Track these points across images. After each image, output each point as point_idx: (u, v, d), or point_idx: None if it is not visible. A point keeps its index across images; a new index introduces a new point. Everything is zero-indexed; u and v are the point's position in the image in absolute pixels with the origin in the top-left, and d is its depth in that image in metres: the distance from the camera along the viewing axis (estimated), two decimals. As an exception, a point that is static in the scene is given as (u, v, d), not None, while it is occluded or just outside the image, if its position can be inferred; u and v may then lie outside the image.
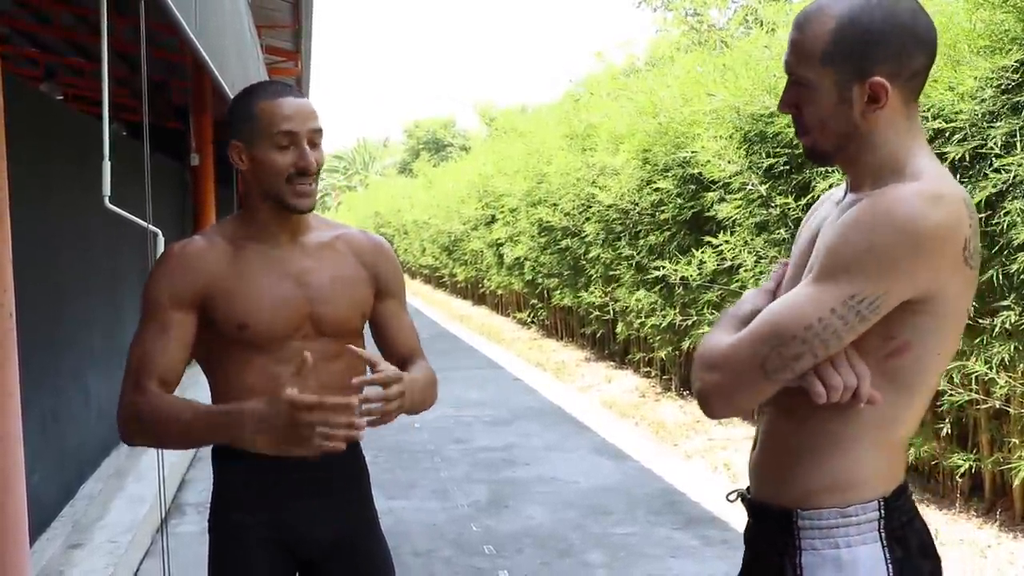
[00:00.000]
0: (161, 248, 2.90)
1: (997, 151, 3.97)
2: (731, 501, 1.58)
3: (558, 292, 10.72)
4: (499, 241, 13.07)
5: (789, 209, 5.49)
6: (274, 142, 1.82)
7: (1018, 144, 3.91)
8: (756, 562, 1.50)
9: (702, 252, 6.29)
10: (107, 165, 2.69)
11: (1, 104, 2.83)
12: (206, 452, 6.45)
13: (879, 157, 1.38)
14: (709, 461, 6.01)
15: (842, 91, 1.36)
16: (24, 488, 2.95)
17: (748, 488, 1.54)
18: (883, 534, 1.38)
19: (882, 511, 1.39)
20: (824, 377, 1.31)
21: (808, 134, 1.42)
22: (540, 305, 12.51)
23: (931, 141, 4.29)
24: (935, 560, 1.43)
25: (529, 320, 13.15)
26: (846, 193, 1.45)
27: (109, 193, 2.72)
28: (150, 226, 2.83)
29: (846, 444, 1.38)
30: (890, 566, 1.37)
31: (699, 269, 6.37)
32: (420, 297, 20.04)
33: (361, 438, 1.68)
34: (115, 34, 10.11)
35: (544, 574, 4.11)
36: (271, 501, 1.89)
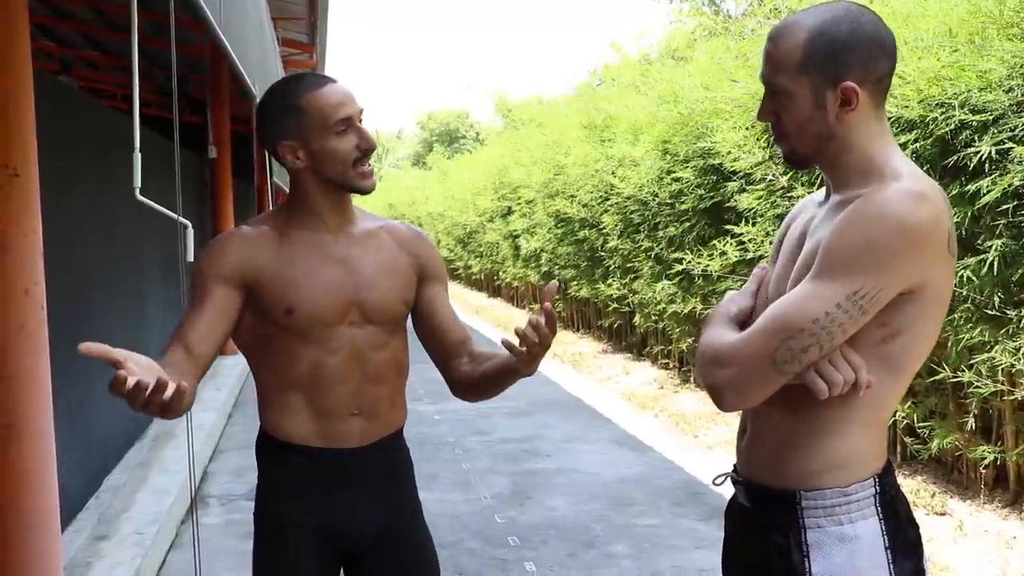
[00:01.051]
0: (191, 240, 2.90)
1: (1016, 144, 3.94)
2: (718, 484, 1.71)
3: (575, 284, 10.72)
4: (515, 233, 13.07)
5: (812, 200, 5.46)
6: (332, 131, 1.81)
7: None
8: (754, 542, 1.56)
9: (725, 244, 6.26)
10: (138, 157, 2.70)
11: (32, 97, 2.85)
12: (226, 444, 6.48)
13: (856, 157, 1.49)
14: (730, 452, 5.99)
15: (817, 97, 1.47)
16: (56, 481, 2.98)
17: (735, 471, 1.64)
18: (879, 508, 1.48)
19: (877, 487, 1.49)
20: (825, 374, 1.41)
21: (787, 139, 1.53)
22: (557, 297, 12.51)
23: (957, 133, 4.26)
24: (917, 527, 1.54)
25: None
26: (828, 195, 1.55)
27: (140, 185, 2.72)
28: (180, 218, 2.84)
29: (842, 427, 1.47)
30: (886, 537, 1.47)
31: (721, 261, 6.34)
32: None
33: None
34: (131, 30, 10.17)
35: (570, 565, 4.11)
36: (317, 493, 1.89)
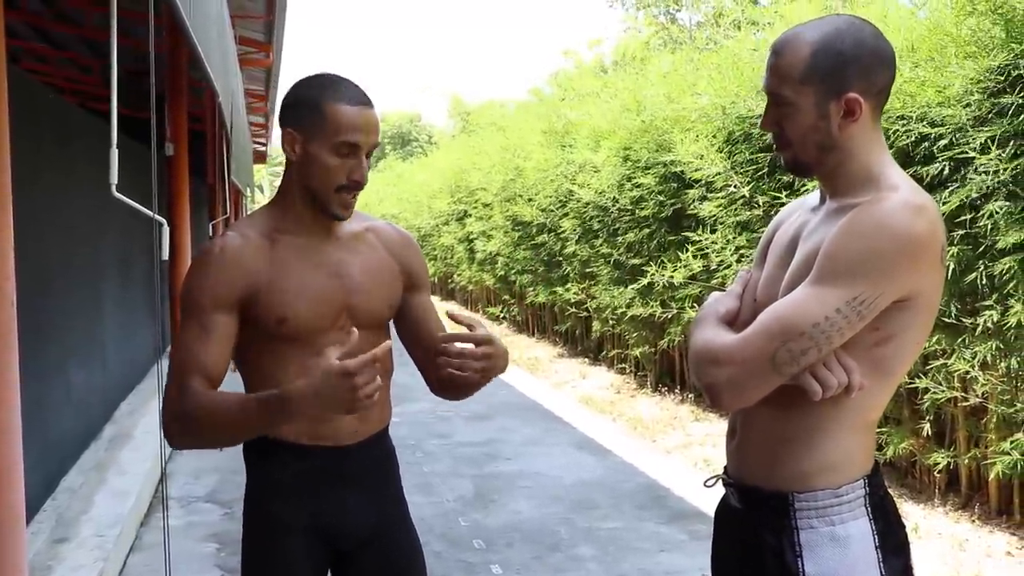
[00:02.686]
0: (166, 237, 2.87)
1: (977, 154, 4.06)
2: (709, 486, 1.70)
3: (532, 288, 10.75)
4: (471, 236, 13.07)
5: (772, 209, 5.56)
6: (334, 147, 1.79)
7: (994, 147, 3.99)
8: (744, 542, 1.59)
9: (687, 255, 6.33)
10: (115, 153, 2.67)
11: (5, 93, 2.80)
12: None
13: (856, 167, 1.53)
14: (688, 457, 6.07)
15: (820, 108, 1.51)
16: (22, 482, 2.93)
17: (726, 472, 1.66)
18: (868, 509, 1.52)
19: (867, 488, 1.53)
20: (819, 376, 1.45)
21: (790, 148, 1.56)
22: (512, 301, 12.53)
23: (916, 144, 4.38)
24: (904, 528, 1.59)
25: (501, 316, 13.17)
26: (823, 200, 1.59)
27: (116, 181, 2.69)
28: (156, 215, 2.81)
29: (834, 428, 1.51)
30: (876, 536, 1.51)
31: (685, 272, 6.41)
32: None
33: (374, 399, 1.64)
34: (84, 23, 9.99)
35: (536, 568, 4.13)
36: (311, 492, 1.89)
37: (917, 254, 1.43)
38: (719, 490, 1.70)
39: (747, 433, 1.61)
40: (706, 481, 1.73)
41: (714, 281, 6.16)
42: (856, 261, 1.42)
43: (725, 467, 1.68)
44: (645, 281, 6.96)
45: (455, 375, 1.78)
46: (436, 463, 5.81)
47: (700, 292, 6.51)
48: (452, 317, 1.87)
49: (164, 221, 2.80)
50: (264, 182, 51.52)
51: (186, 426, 1.73)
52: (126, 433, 5.79)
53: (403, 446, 6.18)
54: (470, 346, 1.78)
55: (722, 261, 5.94)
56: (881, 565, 1.50)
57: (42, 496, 4.48)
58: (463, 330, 1.83)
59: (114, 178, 2.64)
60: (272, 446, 1.88)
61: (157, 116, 9.09)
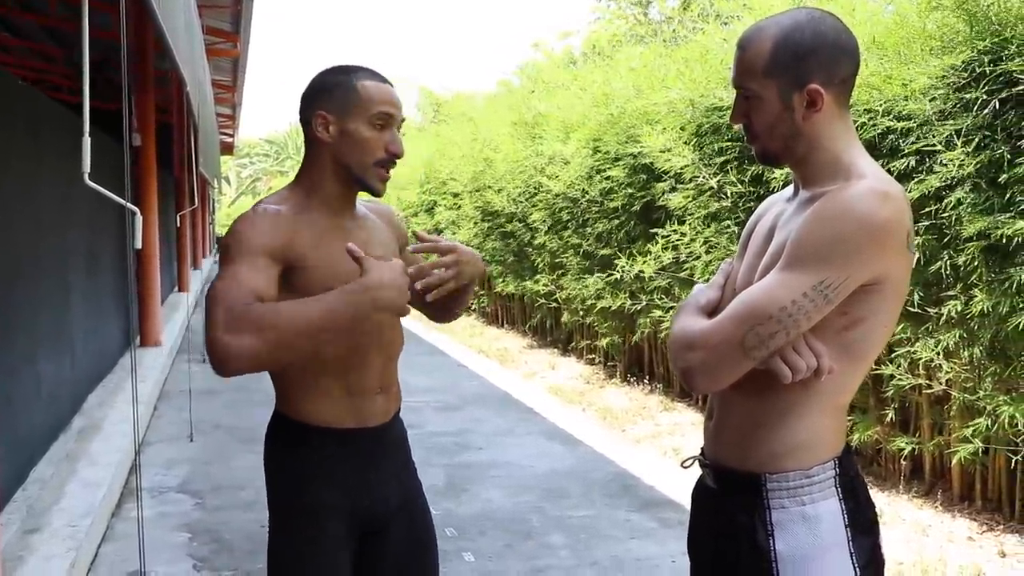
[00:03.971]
0: (139, 227, 2.86)
1: (943, 147, 4.14)
2: (687, 467, 1.74)
3: (501, 279, 10.77)
4: (440, 228, 13.07)
5: (741, 200, 5.62)
6: (370, 120, 1.86)
7: (959, 141, 4.08)
8: (719, 522, 1.64)
9: (656, 246, 6.38)
10: (87, 142, 2.65)
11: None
12: (153, 436, 6.32)
13: (823, 156, 1.58)
14: (657, 446, 6.13)
15: (784, 99, 1.56)
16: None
17: (702, 454, 1.70)
18: (839, 489, 1.56)
19: (837, 468, 1.57)
20: (788, 360, 1.49)
21: (758, 139, 1.62)
22: (482, 292, 12.55)
23: (883, 137, 4.45)
24: (874, 508, 1.63)
25: (470, 307, 13.19)
26: (797, 191, 1.64)
27: (88, 170, 2.68)
28: (128, 204, 2.80)
29: (804, 411, 1.55)
30: (845, 515, 1.55)
31: (655, 264, 6.46)
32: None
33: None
34: (50, 13, 9.85)
35: (508, 556, 4.16)
36: (351, 474, 1.91)
37: (882, 239, 1.46)
38: (689, 478, 1.75)
39: (722, 416, 1.65)
40: (683, 462, 1.77)
41: (683, 273, 6.22)
42: (822, 246, 1.46)
43: (702, 448, 1.72)
44: (616, 276, 7.01)
45: (430, 284, 1.90)
46: (408, 453, 5.82)
47: (669, 284, 6.57)
48: (417, 236, 2.00)
49: (137, 210, 2.80)
50: (231, 173, 51.08)
51: (256, 331, 1.63)
52: (95, 425, 5.74)
53: (375, 436, 6.23)
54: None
55: (691, 252, 6.00)
56: (850, 543, 1.54)
57: (12, 487, 4.45)
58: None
59: (86, 167, 2.64)
60: (312, 431, 1.90)
61: (119, 106, 9.00)
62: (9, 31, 11.02)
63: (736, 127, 1.71)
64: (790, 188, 1.70)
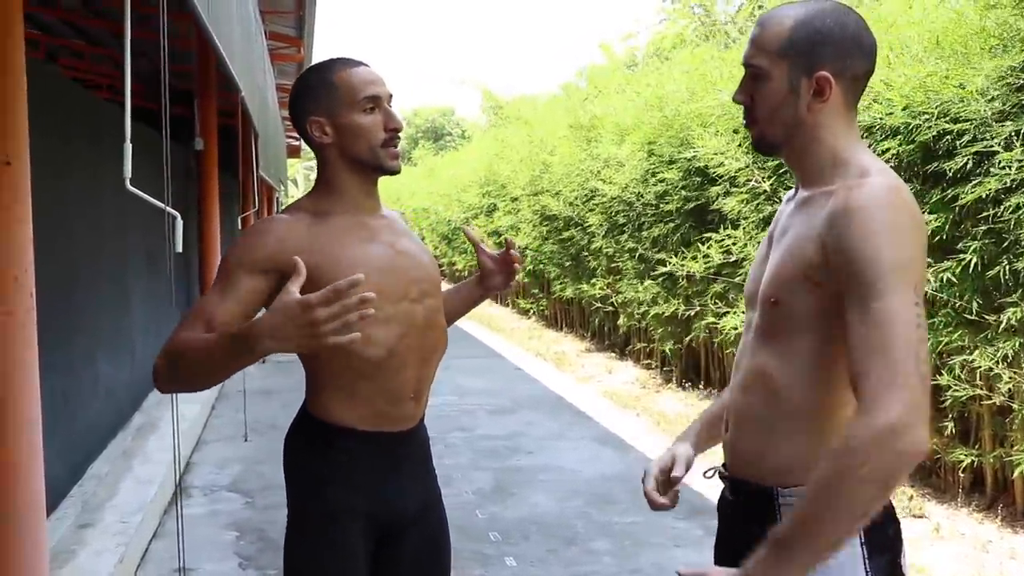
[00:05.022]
0: (180, 230, 2.92)
1: (1001, 150, 4.01)
2: (708, 477, 1.75)
3: (559, 283, 10.75)
4: (500, 230, 13.09)
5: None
6: (360, 107, 1.87)
7: (1018, 142, 3.94)
8: (735, 533, 1.61)
9: (707, 247, 6.31)
10: (128, 147, 2.71)
11: (25, 86, 2.86)
12: (209, 436, 6.46)
13: (823, 151, 1.53)
14: (709, 453, 6.03)
15: (793, 83, 1.52)
16: (42, 470, 2.98)
17: (724, 465, 1.68)
18: None
19: None
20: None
21: (757, 124, 1.57)
22: (541, 295, 12.54)
23: (939, 139, 4.32)
24: (897, 524, 1.55)
25: (529, 310, 13.18)
26: (797, 190, 1.60)
27: (130, 175, 2.74)
28: (169, 208, 2.85)
29: (816, 425, 1.51)
30: (861, 533, 1.47)
31: (704, 263, 6.39)
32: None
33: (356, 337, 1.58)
34: (117, 18, 10.11)
35: (551, 561, 4.14)
36: (375, 478, 1.91)
37: (919, 223, 1.44)
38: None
39: (737, 429, 1.62)
40: (705, 472, 1.76)
41: (737, 278, 6.12)
42: (893, 257, 1.38)
43: (724, 460, 1.69)
44: (664, 270, 6.95)
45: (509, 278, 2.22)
46: (458, 456, 5.84)
47: (724, 288, 6.48)
48: (466, 233, 2.22)
49: (177, 214, 2.85)
50: (299, 176, 51.89)
51: (171, 362, 1.75)
52: (152, 423, 5.88)
53: (425, 439, 6.26)
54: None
55: (745, 257, 5.91)
56: (866, 562, 1.49)
57: (69, 483, 4.57)
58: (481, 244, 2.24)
59: (128, 172, 2.69)
60: (340, 434, 1.89)
61: (189, 112, 9.17)
62: (85, 38, 11.35)
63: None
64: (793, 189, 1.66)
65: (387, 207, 2.08)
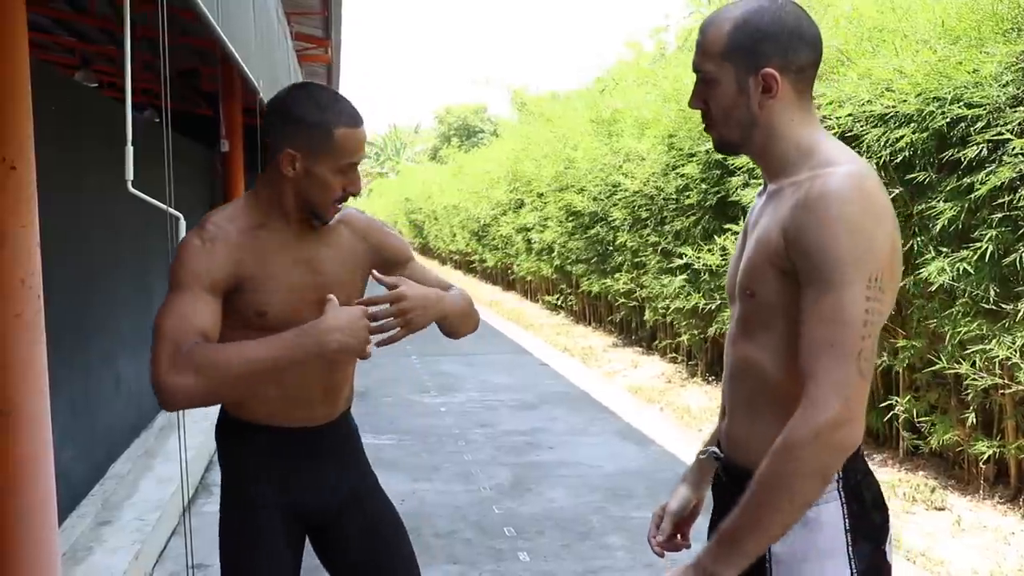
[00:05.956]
0: (183, 231, 2.95)
1: (1014, 136, 3.93)
2: (701, 458, 1.77)
3: (586, 278, 10.73)
4: (527, 226, 13.09)
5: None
6: (339, 168, 1.88)
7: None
8: (727, 513, 1.60)
9: (724, 239, 6.27)
10: (130, 150, 2.75)
11: (29, 91, 2.91)
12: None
13: (783, 145, 1.55)
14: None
15: (740, 83, 1.55)
16: (52, 468, 3.03)
17: (719, 448, 1.70)
18: (842, 493, 1.51)
19: (840, 473, 1.51)
20: None
21: (715, 127, 1.60)
22: (569, 291, 12.53)
23: (952, 126, 4.26)
24: (885, 511, 1.57)
25: (558, 305, 13.17)
26: (766, 184, 1.62)
27: (132, 177, 2.78)
28: (171, 209, 2.89)
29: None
30: (847, 520, 1.51)
31: (722, 256, 6.35)
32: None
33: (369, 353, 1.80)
34: (146, 21, 10.24)
35: (564, 556, 4.14)
36: (285, 470, 1.99)
37: (883, 214, 1.45)
38: None
39: (732, 416, 1.64)
40: (699, 453, 1.78)
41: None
42: (845, 248, 1.41)
43: (717, 442, 1.73)
44: (680, 263, 6.92)
45: (379, 341, 1.89)
46: (478, 452, 5.86)
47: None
48: (375, 278, 2.02)
49: (180, 215, 2.88)
50: (333, 176, 52.20)
51: (198, 375, 1.68)
52: (175, 423, 5.95)
53: (447, 435, 6.30)
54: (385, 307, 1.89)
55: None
56: (849, 548, 1.50)
57: (90, 482, 4.65)
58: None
59: (130, 174, 2.73)
60: (247, 427, 1.97)
61: (213, 113, 9.24)
62: (116, 43, 11.50)
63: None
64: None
65: (348, 208, 2.08)
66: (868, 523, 1.53)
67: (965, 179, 4.19)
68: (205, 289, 1.81)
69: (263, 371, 1.73)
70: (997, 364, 4.30)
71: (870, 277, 1.41)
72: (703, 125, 1.64)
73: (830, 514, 1.51)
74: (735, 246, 1.75)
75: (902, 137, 4.39)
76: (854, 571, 1.50)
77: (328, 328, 1.74)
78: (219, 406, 2.03)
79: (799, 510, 1.42)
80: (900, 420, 5.19)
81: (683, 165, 7.16)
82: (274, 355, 1.72)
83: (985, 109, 4.05)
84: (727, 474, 1.66)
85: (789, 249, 1.46)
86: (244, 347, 1.73)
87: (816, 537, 1.50)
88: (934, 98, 4.27)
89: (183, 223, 2.94)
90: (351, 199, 1.99)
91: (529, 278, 14.69)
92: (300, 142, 1.85)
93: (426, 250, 27.49)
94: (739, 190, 6.21)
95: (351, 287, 2.00)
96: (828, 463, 1.40)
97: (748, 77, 1.53)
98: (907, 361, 4.95)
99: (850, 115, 4.77)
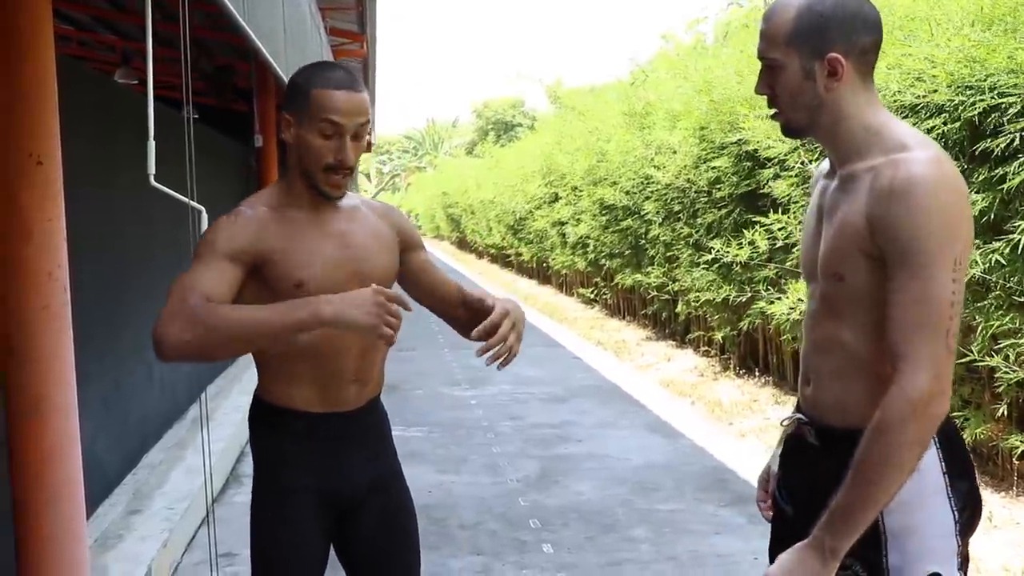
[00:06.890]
0: (205, 225, 2.99)
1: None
2: (785, 426, 1.82)
3: (620, 272, 10.70)
4: (562, 220, 13.07)
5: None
6: (319, 129, 1.89)
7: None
8: (826, 473, 1.66)
9: (754, 233, 6.22)
10: (151, 145, 2.80)
11: (55, 87, 2.96)
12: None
13: (852, 127, 1.61)
14: (763, 440, 5.96)
15: (806, 68, 1.61)
16: (79, 457, 3.09)
17: (802, 414, 1.76)
18: (935, 438, 1.58)
19: None
20: None
21: (782, 112, 1.67)
22: (603, 284, 12.50)
23: (985, 116, 4.18)
24: (968, 454, 1.69)
25: (593, 299, 13.15)
26: (833, 168, 1.67)
27: (154, 171, 2.82)
28: (192, 202, 2.93)
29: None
30: (943, 463, 1.61)
31: (752, 250, 6.30)
32: (486, 277, 20.12)
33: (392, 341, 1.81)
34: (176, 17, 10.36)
35: (588, 548, 4.14)
36: (319, 455, 2.00)
37: (964, 197, 1.54)
38: None
39: (819, 378, 1.70)
40: (782, 421, 1.83)
41: (788, 264, 6.02)
42: (932, 233, 1.50)
43: (799, 408, 1.78)
44: (709, 257, 6.88)
45: (503, 361, 2.01)
46: (506, 444, 5.87)
47: (777, 274, 6.37)
48: (466, 304, 2.12)
49: (202, 208, 2.92)
50: (372, 169, 52.58)
51: (186, 328, 1.73)
52: (209, 414, 6.03)
53: (476, 428, 6.33)
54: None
55: (793, 244, 5.81)
56: (948, 488, 1.60)
57: (122, 472, 4.73)
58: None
59: (152, 168, 2.78)
60: (282, 413, 1.99)
61: (248, 109, 9.32)
62: (156, 40, 11.64)
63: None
64: (826, 163, 1.74)
65: (355, 195, 2.12)
66: (960, 465, 1.63)
67: (997, 170, 4.11)
68: (222, 258, 1.85)
69: (258, 335, 1.78)
70: (1030, 358, 4.22)
71: (955, 260, 1.50)
72: (771, 112, 1.70)
73: (927, 460, 1.58)
74: (804, 220, 1.83)
75: (933, 128, 4.32)
76: (953, 508, 1.59)
77: (328, 299, 1.76)
78: (252, 393, 2.07)
79: (905, 478, 1.52)
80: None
81: (715, 157, 7.11)
82: (267, 317, 1.75)
83: (1019, 98, 3.98)
84: (820, 438, 1.71)
85: (876, 235, 1.53)
86: (241, 309, 1.78)
87: (917, 481, 1.56)
88: (967, 87, 4.20)
89: (205, 216, 2.98)
90: (363, 195, 2.00)
91: (564, 272, 14.67)
92: (291, 107, 1.93)
93: (463, 244, 27.55)
94: (769, 182, 6.16)
95: (385, 261, 2.03)
96: (926, 433, 1.52)
97: (814, 62, 1.59)
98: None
99: (881, 105, 4.70)
